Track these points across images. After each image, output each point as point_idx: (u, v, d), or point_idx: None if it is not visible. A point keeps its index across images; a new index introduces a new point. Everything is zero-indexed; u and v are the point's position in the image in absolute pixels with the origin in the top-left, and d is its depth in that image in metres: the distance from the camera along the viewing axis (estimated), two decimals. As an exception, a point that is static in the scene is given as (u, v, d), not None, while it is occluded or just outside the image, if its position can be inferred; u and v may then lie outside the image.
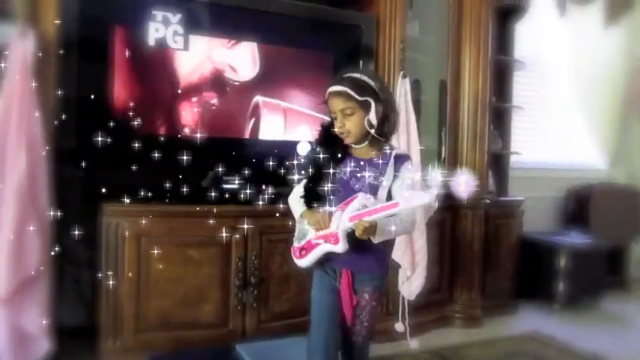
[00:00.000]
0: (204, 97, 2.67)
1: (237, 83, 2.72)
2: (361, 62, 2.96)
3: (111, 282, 2.41)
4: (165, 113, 2.62)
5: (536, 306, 3.71)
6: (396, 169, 1.85)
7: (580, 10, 4.23)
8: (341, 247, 1.81)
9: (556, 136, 4.51)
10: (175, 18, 2.53)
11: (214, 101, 2.69)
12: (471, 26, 3.31)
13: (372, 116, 1.82)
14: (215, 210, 2.50)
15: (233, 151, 2.71)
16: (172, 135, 2.60)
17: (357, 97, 1.80)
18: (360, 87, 1.81)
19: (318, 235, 1.86)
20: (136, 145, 2.45)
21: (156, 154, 2.32)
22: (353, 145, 1.88)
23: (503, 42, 3.70)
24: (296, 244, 1.95)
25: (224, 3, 2.66)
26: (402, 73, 2.92)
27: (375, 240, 1.78)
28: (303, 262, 1.90)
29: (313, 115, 2.83)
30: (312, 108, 2.84)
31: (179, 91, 2.61)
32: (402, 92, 2.89)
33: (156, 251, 2.45)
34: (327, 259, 1.89)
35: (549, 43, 4.38)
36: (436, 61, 3.33)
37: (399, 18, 3.00)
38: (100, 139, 2.40)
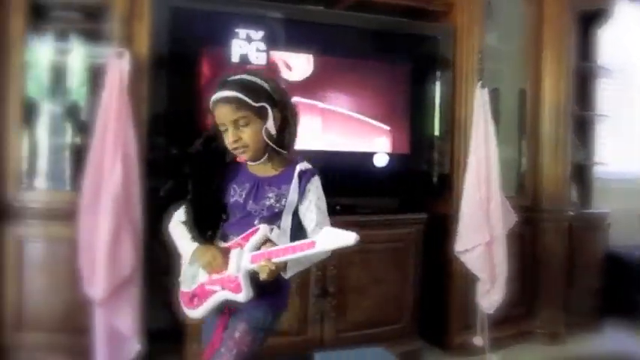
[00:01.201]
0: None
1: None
2: (438, 73, 2.96)
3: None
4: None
5: (622, 324, 3.52)
6: (301, 187, 1.55)
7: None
8: (243, 295, 1.48)
9: (644, 145, 4.29)
10: (257, 35, 2.63)
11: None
12: (551, 33, 3.24)
13: (271, 124, 1.52)
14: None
15: (313, 162, 2.76)
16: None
17: (252, 103, 1.50)
18: (254, 91, 1.51)
19: (212, 278, 1.53)
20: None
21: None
22: (248, 162, 1.58)
23: (586, 48, 3.58)
24: (184, 289, 1.59)
25: (304, 19, 2.75)
26: (480, 83, 2.89)
27: (287, 275, 1.50)
28: (196, 312, 1.56)
29: (387, 128, 2.87)
30: (387, 121, 2.87)
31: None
32: (481, 103, 2.86)
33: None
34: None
35: (636, 49, 4.18)
36: (515, 70, 3.27)
37: (476, 27, 2.98)
38: (186, 151, 2.55)
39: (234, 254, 1.50)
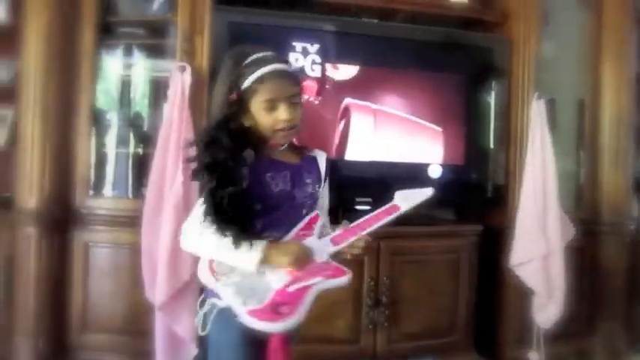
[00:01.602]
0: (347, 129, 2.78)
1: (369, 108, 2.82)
2: (493, 83, 2.94)
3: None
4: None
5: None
6: (326, 176, 1.52)
7: None
8: (347, 277, 1.41)
9: None
10: (313, 48, 2.69)
11: (355, 131, 2.79)
12: (610, 41, 3.15)
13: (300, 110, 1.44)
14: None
15: (366, 172, 2.79)
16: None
17: (300, 82, 1.45)
18: (302, 76, 1.48)
19: (294, 277, 1.35)
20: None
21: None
22: (279, 147, 1.46)
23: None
24: (254, 307, 1.31)
25: (359, 32, 2.78)
26: (536, 94, 2.85)
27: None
28: (291, 320, 1.33)
29: (443, 138, 2.86)
30: (442, 131, 2.87)
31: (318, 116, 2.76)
32: (537, 113, 2.82)
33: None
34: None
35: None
36: (573, 79, 3.20)
37: (532, 37, 2.93)
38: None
39: (311, 243, 1.39)
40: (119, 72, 2.71)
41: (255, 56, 1.40)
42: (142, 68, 2.75)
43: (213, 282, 1.38)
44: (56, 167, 2.53)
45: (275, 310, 1.31)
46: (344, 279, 1.40)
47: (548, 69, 3.05)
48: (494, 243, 2.85)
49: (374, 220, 1.41)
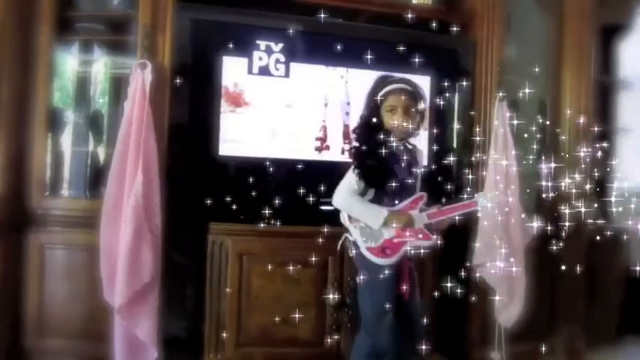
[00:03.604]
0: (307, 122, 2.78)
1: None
2: (457, 85, 2.96)
3: (214, 297, 2.54)
4: (270, 138, 2.73)
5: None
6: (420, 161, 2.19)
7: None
8: (434, 240, 2.08)
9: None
10: (277, 47, 2.66)
11: (319, 126, 2.79)
12: (572, 46, 3.22)
13: (418, 120, 2.12)
14: (313, 231, 2.57)
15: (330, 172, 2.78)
16: (275, 158, 2.71)
17: (422, 104, 2.12)
18: (420, 94, 2.13)
19: (400, 234, 2.05)
20: (240, 167, 2.61)
21: (260, 176, 2.44)
22: (400, 143, 2.11)
23: (607, 62, 3.55)
24: (371, 245, 2.06)
25: (323, 32, 2.77)
26: (499, 96, 2.89)
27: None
28: (391, 260, 2.06)
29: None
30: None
31: (282, 116, 2.73)
32: (500, 115, 2.85)
33: (257, 269, 2.56)
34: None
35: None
36: (535, 83, 3.24)
37: (496, 40, 2.98)
38: (207, 161, 2.59)
39: (414, 214, 2.07)
40: (77, 69, 2.64)
41: (390, 79, 2.13)
42: (101, 65, 2.69)
43: (347, 222, 2.11)
44: (11, 167, 2.46)
45: (383, 250, 2.05)
46: (430, 241, 2.07)
47: (512, 72, 3.09)
48: (457, 244, 2.86)
49: (456, 209, 2.08)
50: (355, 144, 2.11)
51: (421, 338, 2.16)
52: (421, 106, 2.11)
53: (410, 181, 2.11)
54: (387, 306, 2.04)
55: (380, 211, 2.04)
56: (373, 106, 2.10)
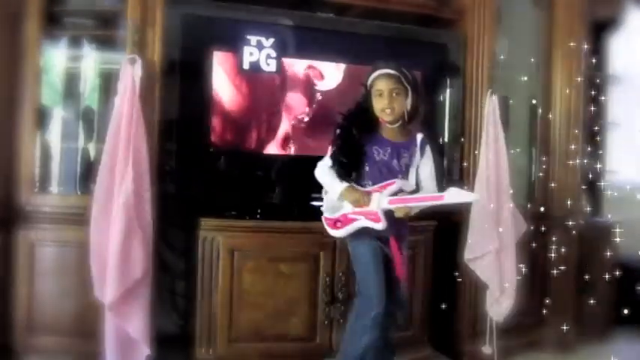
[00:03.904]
0: (296, 117, 2.77)
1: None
2: (448, 80, 2.96)
3: (206, 293, 2.53)
4: (259, 133, 2.72)
5: (633, 334, 3.48)
6: (422, 149, 2.19)
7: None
8: (382, 225, 2.08)
9: (656, 154, 4.26)
10: (268, 42, 2.65)
11: (306, 120, 2.78)
12: (562, 41, 3.23)
13: (408, 102, 2.14)
14: (304, 226, 2.59)
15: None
16: (266, 154, 2.71)
17: (404, 82, 2.13)
18: (406, 76, 2.14)
19: (355, 211, 2.11)
20: (232, 163, 2.61)
21: (251, 172, 2.43)
22: (388, 125, 2.16)
23: (597, 57, 3.56)
24: (328, 215, 2.18)
25: (314, 26, 2.77)
26: (489, 90, 2.89)
27: (413, 212, 2.11)
28: (339, 232, 2.16)
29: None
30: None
31: (273, 111, 2.72)
32: (490, 110, 2.85)
33: (248, 265, 2.55)
34: (369, 231, 2.12)
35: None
36: (526, 77, 3.26)
37: (487, 35, 2.98)
38: (198, 157, 2.58)
39: (375, 196, 2.09)
40: (66, 64, 2.62)
41: (380, 65, 2.17)
42: (91, 61, 2.67)
43: (323, 192, 2.23)
44: (-1, 163, 2.43)
45: (335, 223, 2.15)
46: (378, 225, 2.08)
47: (502, 66, 3.09)
48: (449, 238, 2.88)
49: (421, 200, 2.08)
50: (339, 127, 2.20)
51: (400, 322, 2.33)
52: (409, 91, 2.15)
53: (396, 165, 2.15)
54: (377, 279, 2.12)
55: (341, 185, 2.12)
56: (365, 92, 2.18)
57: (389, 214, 2.09)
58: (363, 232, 2.14)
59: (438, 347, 2.99)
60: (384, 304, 2.09)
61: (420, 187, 2.21)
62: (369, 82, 2.18)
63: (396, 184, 2.10)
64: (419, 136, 2.21)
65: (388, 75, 2.14)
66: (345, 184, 2.12)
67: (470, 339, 2.93)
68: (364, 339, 2.11)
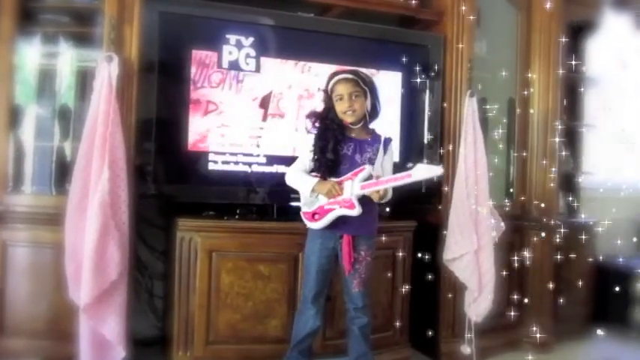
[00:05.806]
0: (275, 116, 2.75)
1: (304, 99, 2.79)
2: (428, 81, 2.96)
3: (183, 294, 2.50)
4: (238, 133, 2.70)
5: (610, 333, 3.52)
6: (385, 147, 2.31)
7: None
8: (357, 211, 2.18)
9: (631, 155, 4.32)
10: (248, 41, 2.63)
11: (285, 120, 2.76)
12: (540, 43, 3.26)
13: (367, 103, 2.27)
14: (283, 227, 2.57)
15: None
16: (244, 154, 2.68)
17: (362, 85, 2.25)
18: (363, 79, 2.27)
19: (330, 201, 2.21)
20: (210, 163, 2.58)
21: (228, 173, 2.40)
22: (351, 126, 2.29)
23: (574, 59, 3.60)
24: (306, 210, 2.28)
25: (295, 26, 2.75)
26: (469, 92, 2.91)
27: (386, 199, 2.22)
28: (317, 224, 2.25)
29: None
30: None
31: (251, 111, 2.70)
32: (470, 111, 2.87)
33: (226, 265, 2.53)
34: (331, 226, 2.24)
35: (623, 59, 4.22)
36: (504, 79, 3.28)
37: (466, 37, 2.99)
38: (175, 157, 2.55)
39: (347, 184, 2.20)
40: (41, 62, 2.56)
41: (338, 72, 2.34)
42: (67, 58, 2.62)
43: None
44: (-30, 162, 2.37)
45: (313, 215, 2.26)
46: (353, 211, 2.18)
47: (481, 68, 3.11)
48: (429, 239, 2.89)
49: (391, 181, 2.18)
50: (312, 132, 2.32)
51: (357, 317, 2.35)
52: (367, 92, 2.27)
53: (359, 159, 2.25)
54: (317, 276, 2.28)
55: (312, 180, 2.24)
56: (326, 98, 2.31)
57: (361, 203, 2.19)
58: (316, 233, 2.29)
59: (418, 347, 3.00)
60: (315, 308, 2.31)
61: None
62: (329, 87, 2.30)
63: (366, 170, 2.20)
64: (383, 136, 2.34)
65: (346, 79, 2.26)
66: (315, 179, 2.25)
67: (450, 339, 2.94)
68: (301, 331, 2.34)
